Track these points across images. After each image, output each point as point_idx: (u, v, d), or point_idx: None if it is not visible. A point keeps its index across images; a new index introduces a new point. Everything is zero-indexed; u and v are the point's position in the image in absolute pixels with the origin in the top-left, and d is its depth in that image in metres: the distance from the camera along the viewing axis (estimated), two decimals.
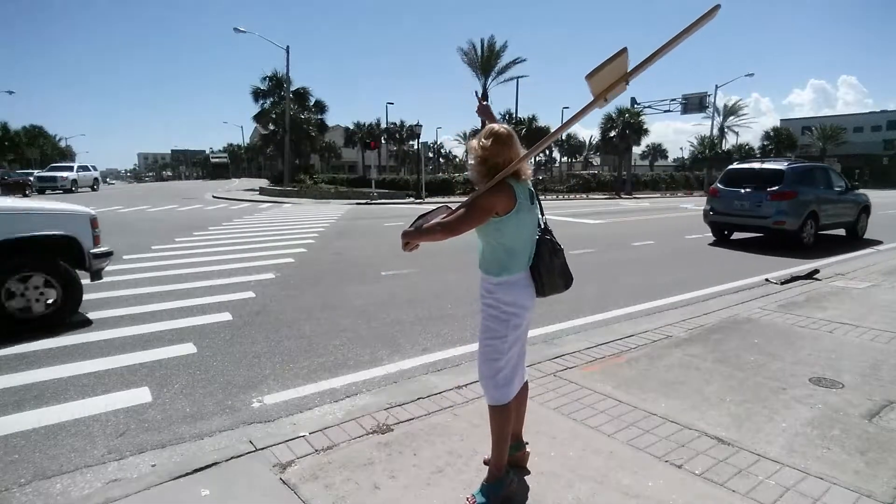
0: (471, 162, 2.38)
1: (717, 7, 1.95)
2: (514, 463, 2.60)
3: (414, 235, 2.34)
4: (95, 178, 34.41)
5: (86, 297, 6.15)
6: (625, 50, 2.00)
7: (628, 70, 2.07)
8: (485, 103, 2.57)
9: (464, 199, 2.45)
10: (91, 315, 5.48)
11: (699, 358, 4.20)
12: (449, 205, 2.55)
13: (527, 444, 2.70)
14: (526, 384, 2.62)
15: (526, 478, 2.59)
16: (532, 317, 2.49)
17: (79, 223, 5.41)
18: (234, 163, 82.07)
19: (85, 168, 34.14)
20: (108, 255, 5.67)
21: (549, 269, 2.38)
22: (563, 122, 2.38)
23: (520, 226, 2.31)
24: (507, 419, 2.40)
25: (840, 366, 4.02)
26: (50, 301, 5.10)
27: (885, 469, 2.65)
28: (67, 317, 5.22)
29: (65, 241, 5.25)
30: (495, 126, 2.35)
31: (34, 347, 4.54)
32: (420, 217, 2.44)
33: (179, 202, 23.85)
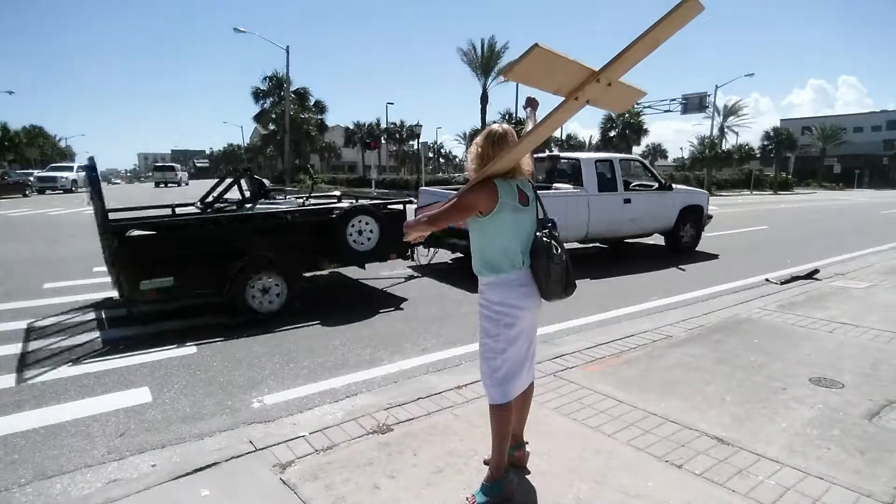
0: (469, 160, 2.40)
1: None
2: (514, 463, 2.60)
3: (409, 226, 2.44)
4: None
5: (85, 297, 6.17)
6: (535, 46, 1.89)
7: (597, 69, 2.01)
8: (533, 97, 2.57)
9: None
10: (91, 315, 5.48)
11: (699, 358, 4.20)
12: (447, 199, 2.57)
13: (527, 443, 2.69)
14: (531, 386, 2.60)
15: (526, 478, 2.59)
16: (536, 318, 2.45)
17: (703, 198, 10.11)
18: (234, 163, 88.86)
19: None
20: (710, 217, 10.29)
21: (546, 273, 2.32)
22: (535, 123, 2.32)
23: (503, 226, 2.30)
24: (506, 419, 2.39)
25: (840, 366, 4.02)
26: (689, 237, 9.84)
27: (885, 469, 2.65)
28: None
29: (699, 209, 9.85)
30: (494, 125, 2.37)
31: (34, 347, 4.54)
32: (418, 209, 2.51)
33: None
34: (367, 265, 6.42)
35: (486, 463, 2.62)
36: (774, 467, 2.65)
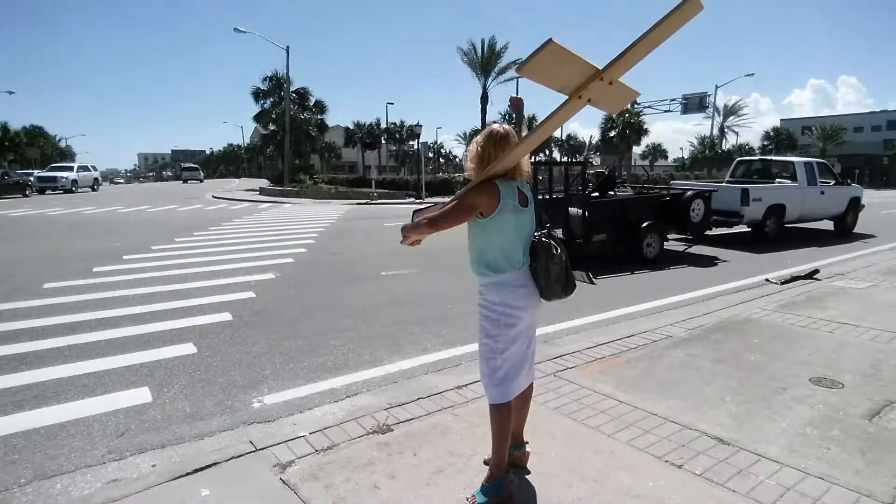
0: (468, 160, 2.39)
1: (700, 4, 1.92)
2: (514, 463, 2.60)
3: (408, 229, 2.41)
4: (95, 179, 34.42)
5: (87, 297, 6.18)
6: (549, 41, 1.93)
7: (601, 67, 2.04)
8: (517, 97, 2.61)
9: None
10: (92, 315, 5.48)
11: (699, 358, 4.20)
12: (446, 201, 2.56)
13: (527, 443, 2.69)
14: (531, 386, 2.61)
15: (526, 478, 2.59)
16: (535, 318, 2.46)
17: (861, 192, 13.26)
18: (235, 163, 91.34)
19: (85, 168, 34.13)
20: (864, 206, 13.40)
21: (545, 273, 2.34)
22: (538, 123, 2.36)
23: (504, 227, 2.30)
24: (506, 418, 2.40)
25: (840, 366, 4.02)
26: (851, 221, 13.03)
27: (885, 469, 2.65)
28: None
29: (858, 200, 13.02)
30: (494, 125, 2.37)
31: (34, 347, 4.54)
32: (415, 212, 2.49)
33: (180, 202, 23.86)
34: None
35: (486, 463, 2.63)
36: (774, 467, 2.65)
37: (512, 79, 39.83)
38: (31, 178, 29.85)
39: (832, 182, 12.56)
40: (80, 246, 10.26)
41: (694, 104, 37.44)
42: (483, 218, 2.29)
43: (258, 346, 4.66)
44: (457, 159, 75.39)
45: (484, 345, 2.39)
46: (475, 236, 2.37)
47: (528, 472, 2.62)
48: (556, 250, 2.35)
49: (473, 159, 2.34)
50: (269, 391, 3.78)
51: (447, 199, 2.60)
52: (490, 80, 38.84)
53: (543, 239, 2.37)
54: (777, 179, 12.38)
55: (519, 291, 2.34)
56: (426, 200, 25.23)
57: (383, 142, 59.22)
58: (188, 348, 4.58)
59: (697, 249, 10.20)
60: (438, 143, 72.54)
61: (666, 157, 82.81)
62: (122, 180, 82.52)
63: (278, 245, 10.52)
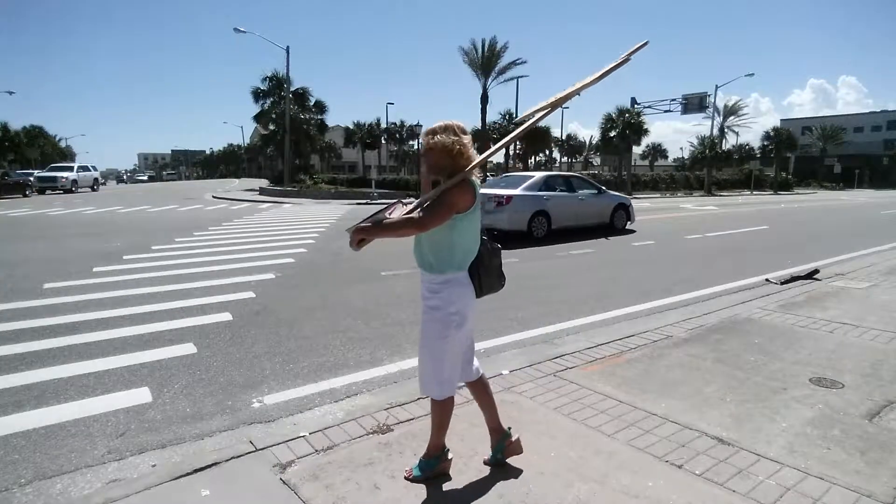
0: (445, 156, 2.25)
1: (646, 42, 2.49)
2: (509, 453, 2.67)
3: (374, 231, 2.23)
4: (95, 179, 34.46)
5: (87, 297, 6.18)
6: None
7: (580, 86, 2.48)
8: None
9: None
10: (92, 315, 5.48)
11: (699, 358, 4.20)
12: (403, 200, 2.52)
13: (510, 428, 2.70)
14: (483, 377, 2.65)
15: (526, 478, 2.59)
16: (475, 315, 2.49)
17: None
18: (235, 163, 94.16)
19: (85, 168, 34.17)
20: None
21: (487, 271, 2.43)
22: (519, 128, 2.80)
23: (474, 223, 2.35)
24: (449, 411, 2.53)
25: (840, 366, 4.02)
26: None
27: (885, 469, 2.65)
28: None
29: None
30: (449, 122, 2.29)
31: (34, 347, 4.54)
32: (377, 213, 2.29)
33: (180, 202, 23.85)
34: None
35: (486, 463, 2.66)
36: (775, 467, 2.65)
37: (512, 79, 39.78)
38: (31, 179, 29.85)
39: None
40: (80, 246, 10.25)
41: (694, 104, 37.43)
42: (458, 215, 2.25)
43: (258, 346, 4.65)
44: None
45: (434, 346, 2.39)
46: (446, 233, 2.28)
47: (521, 472, 2.62)
48: (497, 245, 2.51)
49: (454, 156, 2.23)
50: (269, 391, 3.78)
51: (408, 200, 2.59)
52: (490, 79, 38.74)
53: (483, 237, 2.45)
54: None
55: (469, 289, 2.40)
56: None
57: (383, 142, 59.18)
58: (188, 348, 4.58)
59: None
60: None
61: (666, 157, 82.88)
62: (143, 177, 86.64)
63: (278, 245, 10.52)
